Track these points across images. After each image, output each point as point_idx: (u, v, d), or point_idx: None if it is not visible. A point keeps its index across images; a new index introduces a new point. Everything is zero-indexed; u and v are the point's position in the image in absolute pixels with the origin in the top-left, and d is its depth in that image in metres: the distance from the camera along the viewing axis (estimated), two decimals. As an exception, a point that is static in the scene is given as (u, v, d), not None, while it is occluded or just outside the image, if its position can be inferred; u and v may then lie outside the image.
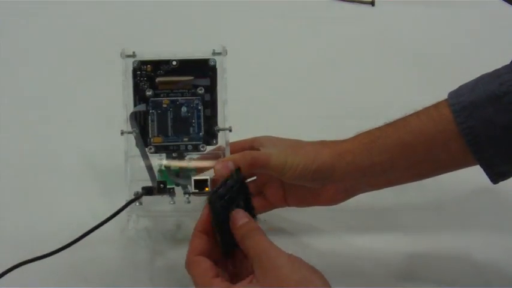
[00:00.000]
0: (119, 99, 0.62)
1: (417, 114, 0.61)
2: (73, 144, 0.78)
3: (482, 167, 0.60)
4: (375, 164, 0.61)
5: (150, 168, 0.62)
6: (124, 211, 0.59)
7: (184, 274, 0.60)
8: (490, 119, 0.57)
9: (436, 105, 0.61)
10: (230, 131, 0.62)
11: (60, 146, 0.78)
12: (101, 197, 0.69)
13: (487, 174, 0.60)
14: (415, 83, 0.97)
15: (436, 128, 0.59)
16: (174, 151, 0.62)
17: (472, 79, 0.61)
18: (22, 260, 0.54)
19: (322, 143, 0.63)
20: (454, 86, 0.62)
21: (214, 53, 0.62)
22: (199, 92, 0.60)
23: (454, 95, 0.60)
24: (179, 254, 0.63)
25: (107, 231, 0.57)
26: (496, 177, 0.60)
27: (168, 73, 0.62)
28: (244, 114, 0.76)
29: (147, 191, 0.61)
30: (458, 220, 0.70)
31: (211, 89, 0.62)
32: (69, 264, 0.58)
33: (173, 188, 0.62)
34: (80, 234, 0.56)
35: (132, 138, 0.61)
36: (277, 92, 0.93)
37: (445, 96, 0.62)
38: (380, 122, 0.63)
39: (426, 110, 0.61)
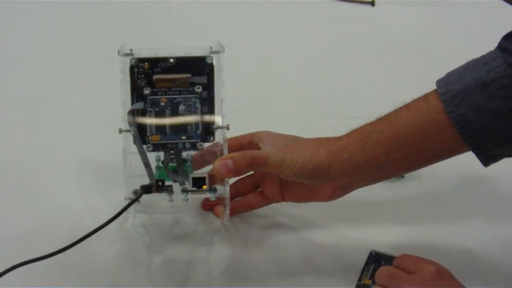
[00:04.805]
0: (117, 96, 0.62)
1: (407, 106, 0.62)
2: (71, 142, 0.79)
3: (474, 153, 0.61)
4: (370, 159, 0.61)
5: (147, 166, 0.62)
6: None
7: (182, 270, 0.61)
8: (479, 106, 0.58)
9: (425, 96, 0.62)
10: (228, 129, 0.62)
11: (58, 144, 0.79)
12: (99, 195, 0.70)
13: (479, 158, 0.61)
14: (414, 83, 0.96)
15: (426, 118, 0.60)
16: (172, 149, 0.62)
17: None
18: (20, 259, 0.55)
19: (319, 141, 0.63)
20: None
21: (211, 51, 0.63)
22: (197, 90, 0.61)
23: (443, 83, 0.61)
24: (177, 250, 0.64)
25: (104, 228, 0.57)
26: (487, 160, 0.61)
27: (165, 71, 0.62)
28: (242, 112, 0.76)
29: (146, 190, 0.61)
30: (454, 212, 0.71)
31: (209, 87, 0.62)
32: (67, 262, 0.58)
33: (171, 186, 0.62)
34: (78, 232, 0.57)
35: (130, 135, 0.62)
36: (277, 91, 0.94)
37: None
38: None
39: (415, 102, 0.62)
